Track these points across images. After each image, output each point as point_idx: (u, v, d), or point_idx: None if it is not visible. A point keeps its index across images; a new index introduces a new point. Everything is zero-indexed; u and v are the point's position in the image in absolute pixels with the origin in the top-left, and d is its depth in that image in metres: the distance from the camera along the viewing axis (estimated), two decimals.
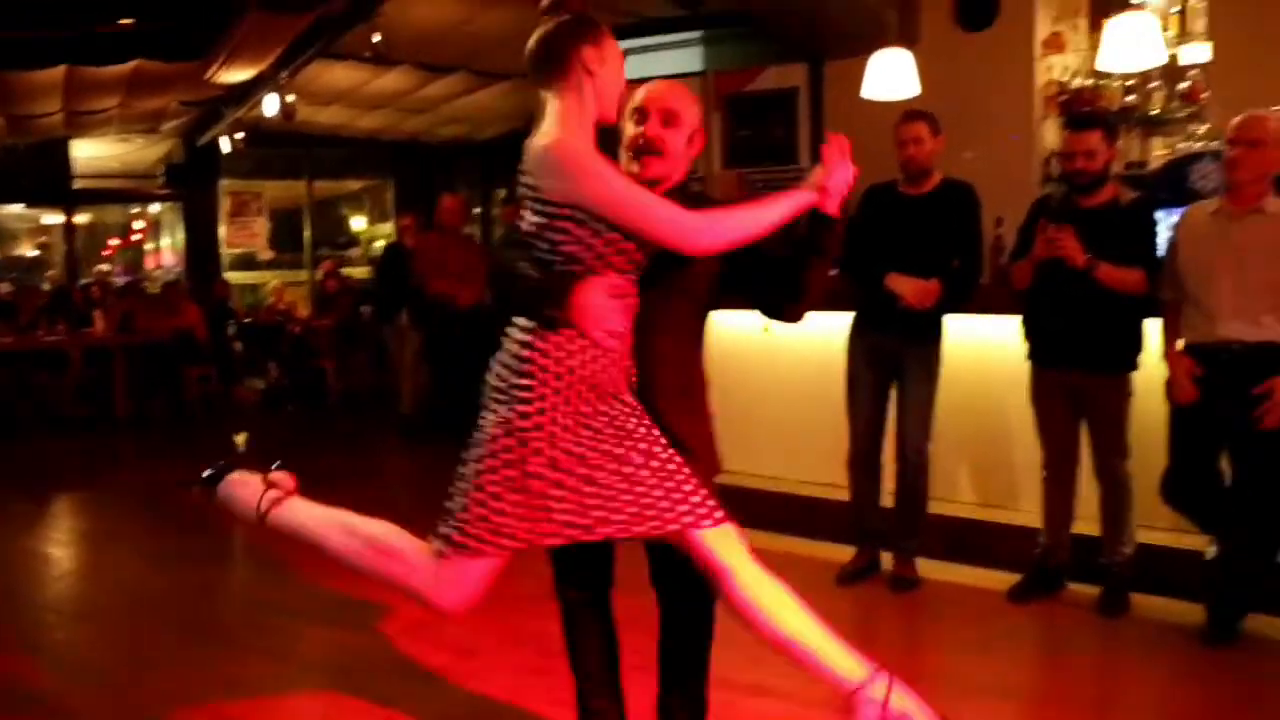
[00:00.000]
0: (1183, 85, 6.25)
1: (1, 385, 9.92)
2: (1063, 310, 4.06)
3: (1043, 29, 6.56)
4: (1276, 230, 3.70)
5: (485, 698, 3.51)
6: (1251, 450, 3.75)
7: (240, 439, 8.91)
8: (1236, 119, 3.84)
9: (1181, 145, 6.09)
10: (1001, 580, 4.43)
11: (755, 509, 5.44)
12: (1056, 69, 6.58)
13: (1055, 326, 4.12)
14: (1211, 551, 3.95)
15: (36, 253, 16.97)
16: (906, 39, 6.62)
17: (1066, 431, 4.21)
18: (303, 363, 11.27)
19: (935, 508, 4.68)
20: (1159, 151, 6.36)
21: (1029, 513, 4.53)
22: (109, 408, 10.15)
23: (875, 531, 4.64)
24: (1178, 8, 6.21)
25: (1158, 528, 4.29)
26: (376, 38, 7.00)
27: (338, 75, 9.33)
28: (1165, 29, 6.19)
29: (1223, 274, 3.74)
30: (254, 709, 3.54)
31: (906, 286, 4.28)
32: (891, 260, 4.34)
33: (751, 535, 5.32)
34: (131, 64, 8.57)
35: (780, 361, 5.63)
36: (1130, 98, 6.43)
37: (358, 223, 16.53)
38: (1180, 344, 3.90)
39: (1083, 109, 5.94)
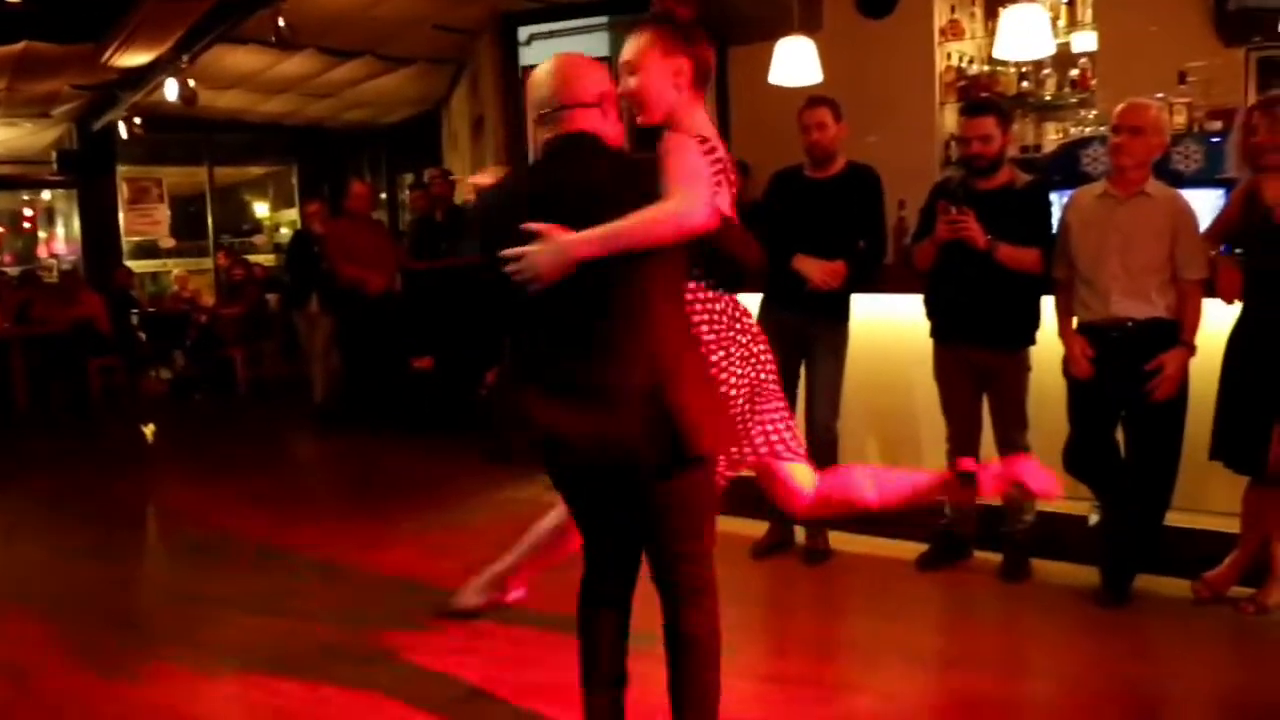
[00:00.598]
0: (1073, 72, 6.53)
1: None
2: (963, 289, 4.23)
3: (941, 17, 6.78)
4: (1159, 211, 3.91)
5: (411, 673, 3.57)
6: (1143, 423, 3.97)
7: (148, 430, 8.86)
8: (1120, 106, 4.04)
9: (1073, 130, 6.35)
10: (910, 550, 4.61)
11: None
12: (955, 56, 6.81)
13: (956, 305, 4.29)
14: (1095, 518, 4.17)
15: None
16: (809, 26, 6.78)
17: (969, 406, 4.39)
18: (210, 352, 11.08)
19: None
20: (1052, 136, 6.63)
21: None
22: (8, 401, 9.87)
23: None
24: None
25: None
26: (281, 22, 6.90)
27: (240, 59, 9.17)
28: (1056, 18, 6.46)
29: (1111, 255, 3.94)
30: (176, 694, 3.56)
31: (813, 268, 4.41)
32: (799, 242, 4.47)
33: None
34: (20, 45, 8.30)
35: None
36: (1025, 84, 6.69)
37: (261, 209, 16.25)
38: (1074, 322, 4.09)
39: (979, 96, 6.15)
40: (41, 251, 16.08)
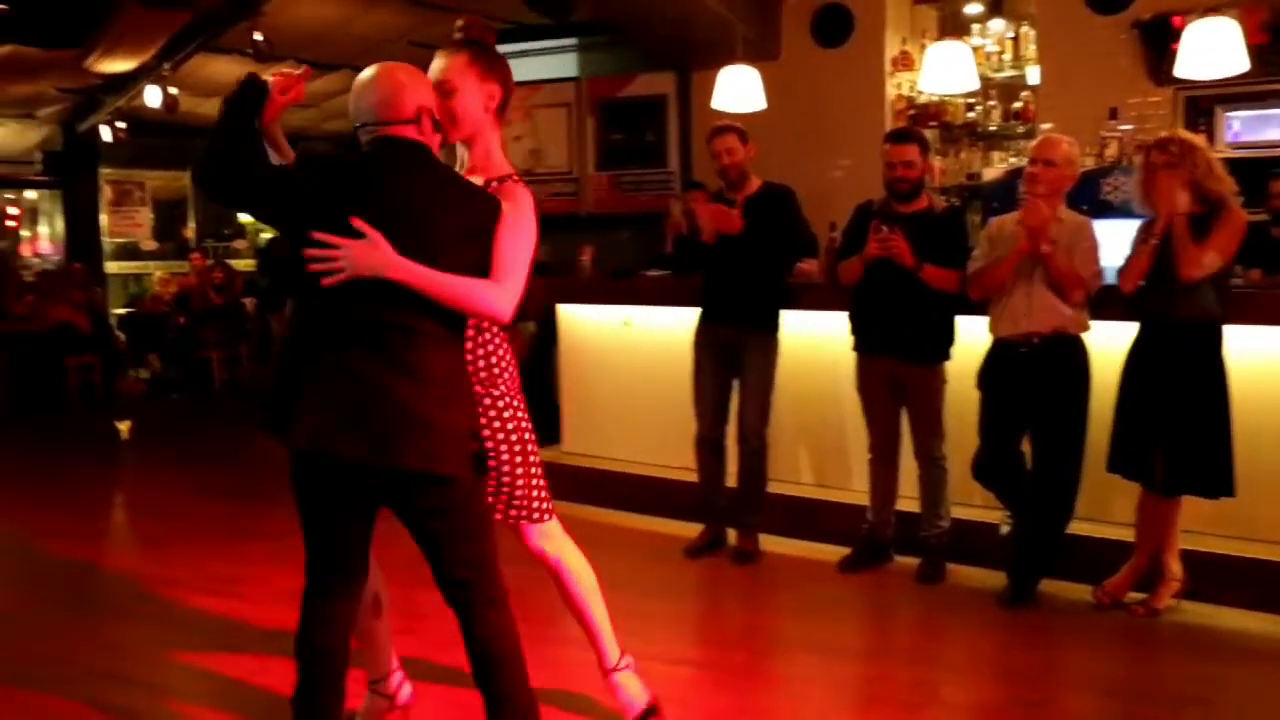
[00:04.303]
0: (1017, 104, 6.82)
1: None
2: (884, 305, 4.51)
3: (892, 47, 7.08)
4: (1066, 233, 4.16)
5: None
6: (1047, 437, 4.23)
7: (123, 426, 9.03)
8: (1035, 141, 4.34)
9: (1012, 160, 6.65)
10: (835, 553, 4.86)
11: (613, 490, 5.85)
12: (905, 85, 7.10)
13: (878, 319, 4.57)
14: (1006, 527, 4.43)
15: None
16: (767, 54, 7.07)
17: (889, 416, 4.66)
18: (187, 353, 11.29)
19: (775, 488, 5.11)
20: (998, 164, 6.92)
21: (859, 492, 4.97)
22: None
23: (720, 509, 5.03)
24: (1013, 33, 6.77)
25: (972, 505, 4.77)
26: (258, 36, 7.15)
27: (221, 68, 9.41)
28: (1002, 52, 6.77)
29: (1020, 273, 4.19)
30: (140, 667, 3.79)
31: (705, 213, 4.75)
32: (725, 259, 4.76)
33: (610, 514, 5.77)
34: (5, 48, 8.53)
35: (637, 353, 5.99)
36: (971, 114, 6.99)
37: (245, 214, 16.41)
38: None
39: (905, 125, 6.43)
40: (25, 250, 16.23)
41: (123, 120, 11.05)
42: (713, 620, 4.55)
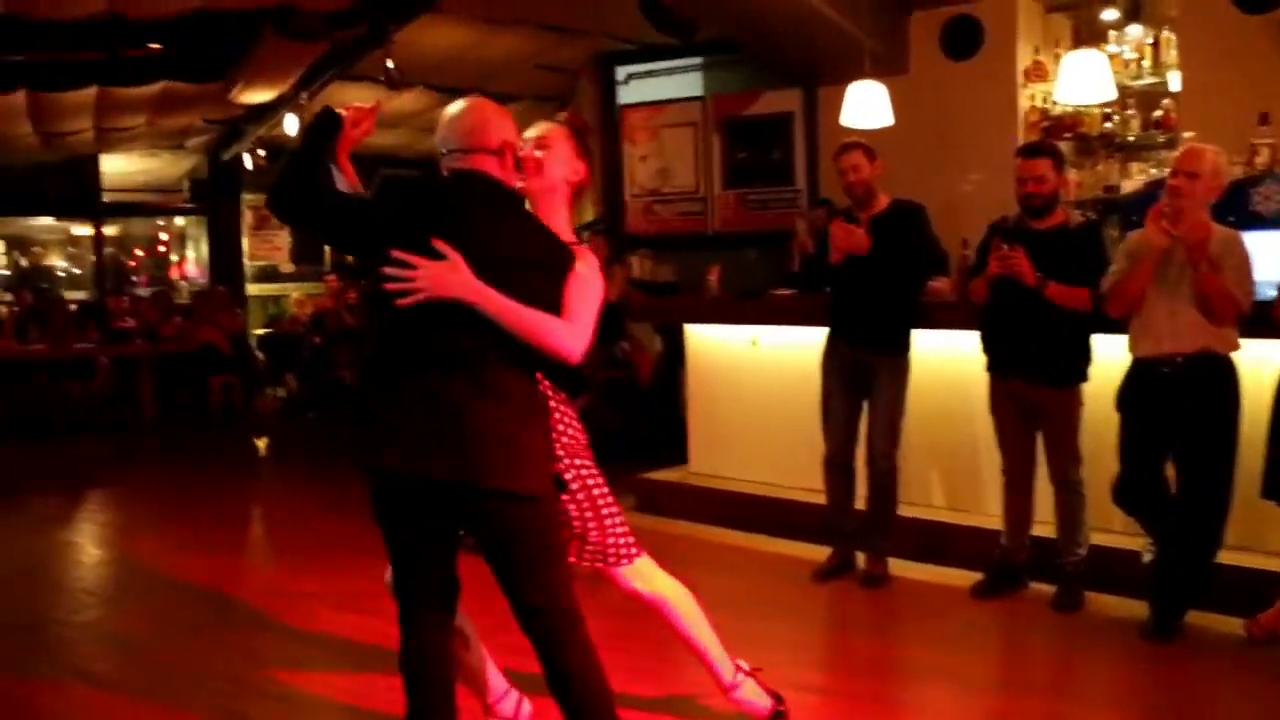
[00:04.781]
0: (1157, 113, 6.56)
1: (34, 391, 10.31)
2: (1016, 325, 4.37)
3: (1025, 58, 6.89)
4: (1218, 247, 3.94)
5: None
6: (1193, 460, 4.03)
7: (261, 443, 9.37)
8: (1178, 151, 4.15)
9: (1153, 171, 6.39)
10: (967, 579, 4.72)
11: (740, 511, 5.80)
12: (1038, 97, 6.90)
13: (1009, 340, 4.43)
14: (1149, 555, 4.23)
15: (66, 263, 17.43)
16: (895, 68, 6.96)
17: (1023, 440, 4.51)
18: (322, 373, 11.63)
19: (906, 510, 4.99)
20: (1137, 176, 6.67)
21: (992, 516, 4.82)
22: (135, 414, 10.58)
23: (848, 532, 4.94)
24: (1152, 39, 6.52)
25: (1112, 530, 4.58)
26: (390, 64, 7.34)
27: (355, 96, 9.65)
28: (1141, 59, 6.53)
29: (1163, 291, 4.01)
30: (274, 680, 3.89)
31: (840, 234, 4.65)
32: (849, 280, 4.69)
33: (736, 536, 5.72)
34: (159, 85, 8.96)
35: (764, 372, 5.95)
36: (1108, 124, 6.75)
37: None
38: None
39: (1035, 140, 6.22)
40: (174, 273, 17.03)
41: (263, 148, 11.49)
42: (839, 646, 4.46)
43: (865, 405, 4.82)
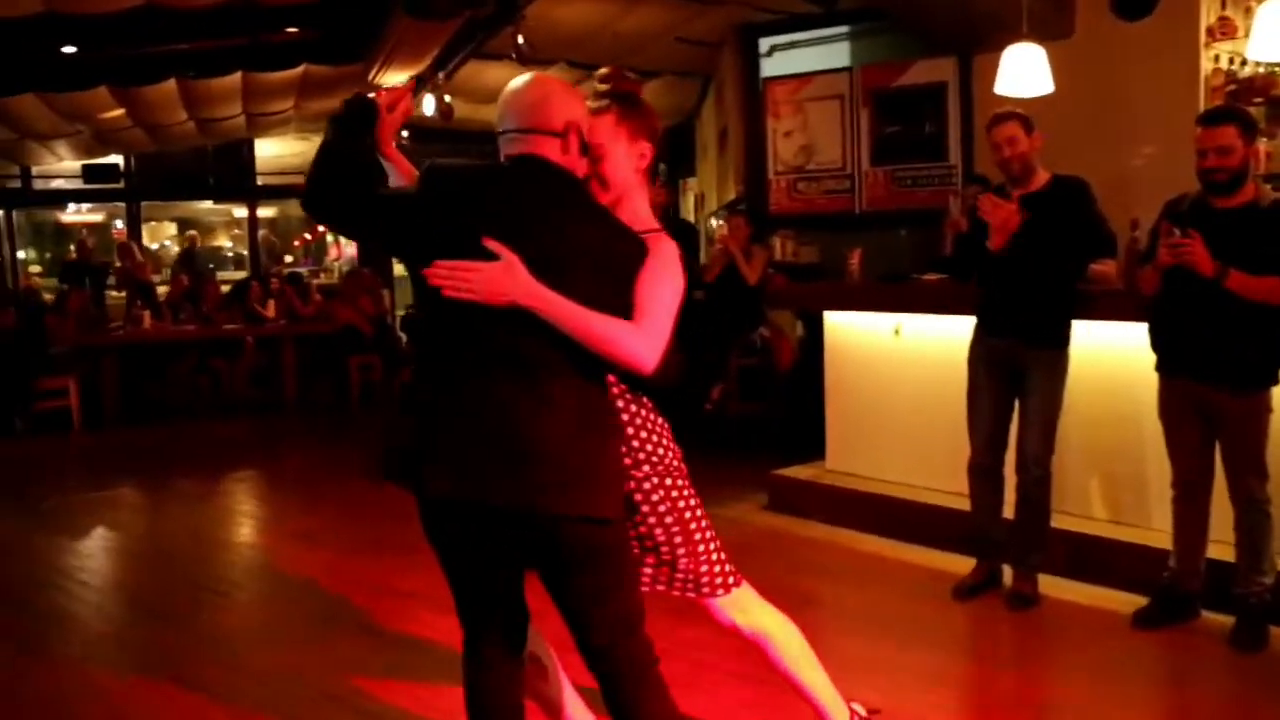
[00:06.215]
0: None
1: (184, 370, 10.61)
2: (1192, 319, 3.80)
3: (1209, 14, 6.17)
4: None
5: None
6: None
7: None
8: None
9: None
10: (1128, 603, 4.20)
11: (878, 514, 5.37)
12: (1224, 57, 6.18)
13: (1183, 336, 3.87)
14: None
15: (230, 244, 18.11)
16: (1058, 31, 6.35)
17: (1197, 448, 3.94)
18: None
19: (1060, 522, 4.50)
20: None
21: (1161, 532, 4.27)
22: (279, 393, 10.77)
23: (995, 544, 4.47)
24: None
25: None
26: (520, 40, 7.14)
27: (493, 74, 9.55)
28: None
29: None
30: (363, 691, 3.71)
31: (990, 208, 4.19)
32: (1002, 265, 4.19)
33: (873, 541, 5.32)
34: (300, 69, 9.02)
35: (907, 364, 5.49)
36: None
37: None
38: None
39: (1219, 105, 5.50)
40: (332, 254, 17.49)
41: (405, 129, 11.49)
42: (978, 679, 3.96)
43: (1016, 404, 4.34)
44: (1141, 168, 6.12)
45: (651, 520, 2.55)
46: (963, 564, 4.59)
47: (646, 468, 2.53)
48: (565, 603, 2.32)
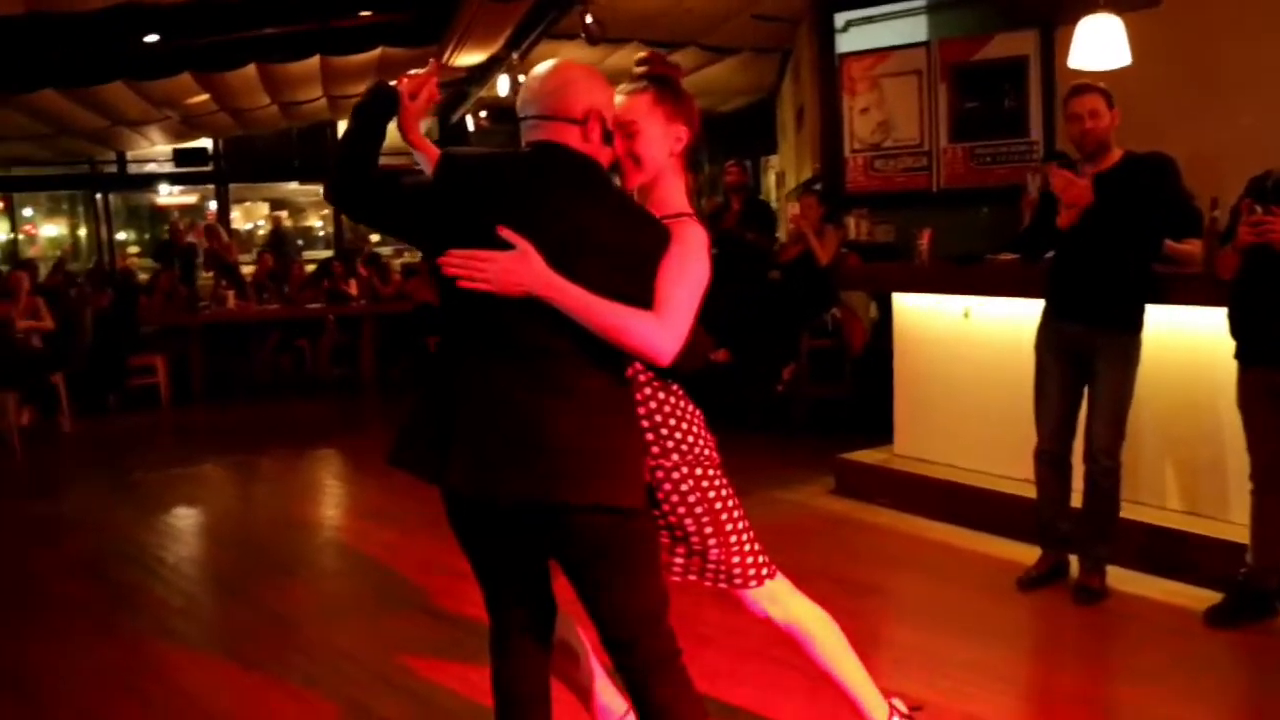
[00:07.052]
0: None
1: (268, 349, 10.84)
2: (1273, 304, 3.61)
3: None
4: None
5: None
6: None
7: None
8: None
9: None
10: (1202, 599, 4.01)
11: (944, 501, 5.25)
12: None
13: (1261, 323, 3.67)
14: None
15: (321, 224, 18.45)
16: (1144, 1, 6.09)
17: (1277, 441, 3.76)
18: None
19: (1131, 512, 4.33)
20: None
21: (1238, 525, 4.08)
22: (358, 372, 10.94)
23: (1062, 534, 4.32)
24: None
25: None
26: (589, 19, 7.09)
27: (567, 54, 9.53)
28: None
29: None
30: (414, 673, 3.74)
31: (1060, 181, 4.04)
32: (1075, 245, 4.04)
33: (939, 528, 5.20)
34: (376, 51, 9.09)
35: (976, 347, 5.35)
36: None
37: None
38: None
39: None
40: None
41: (484, 109, 11.55)
42: (1038, 678, 3.83)
43: (1086, 390, 4.18)
44: (1228, 142, 5.84)
45: (681, 510, 2.50)
46: (1032, 554, 4.43)
47: (675, 457, 2.48)
48: (584, 594, 2.29)
